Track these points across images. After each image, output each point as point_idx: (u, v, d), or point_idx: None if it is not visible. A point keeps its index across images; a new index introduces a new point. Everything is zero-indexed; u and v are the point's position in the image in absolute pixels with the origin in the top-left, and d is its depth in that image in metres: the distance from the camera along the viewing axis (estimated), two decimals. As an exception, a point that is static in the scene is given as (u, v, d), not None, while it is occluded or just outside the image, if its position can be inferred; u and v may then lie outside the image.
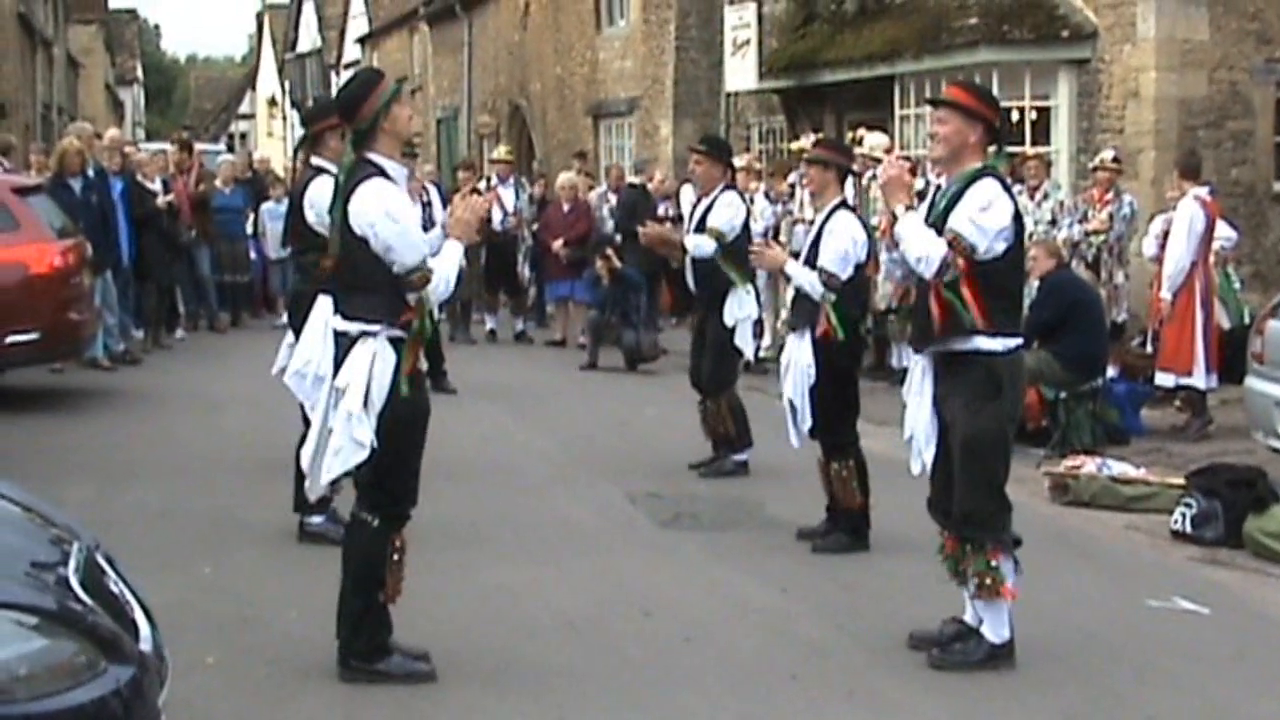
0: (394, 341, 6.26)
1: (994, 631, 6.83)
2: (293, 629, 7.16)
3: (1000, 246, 6.65)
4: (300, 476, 8.41)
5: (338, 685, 6.44)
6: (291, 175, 20.58)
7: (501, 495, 10.16)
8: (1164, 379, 13.18)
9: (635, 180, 20.12)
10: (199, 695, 6.02)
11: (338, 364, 6.34)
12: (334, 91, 54.70)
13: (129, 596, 4.85)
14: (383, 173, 6.29)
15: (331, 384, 6.36)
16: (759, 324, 11.67)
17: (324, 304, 7.40)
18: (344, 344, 6.32)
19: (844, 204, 9.04)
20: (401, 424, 6.29)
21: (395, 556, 6.42)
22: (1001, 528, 6.79)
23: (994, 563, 6.75)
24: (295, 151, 9.05)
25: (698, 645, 7.13)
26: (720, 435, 11.01)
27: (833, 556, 8.76)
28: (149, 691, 4.43)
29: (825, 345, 8.74)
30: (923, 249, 6.61)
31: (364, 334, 6.25)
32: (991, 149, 6.82)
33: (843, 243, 8.77)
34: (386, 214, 6.16)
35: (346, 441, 6.20)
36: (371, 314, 6.26)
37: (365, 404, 6.17)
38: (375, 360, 6.21)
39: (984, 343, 6.71)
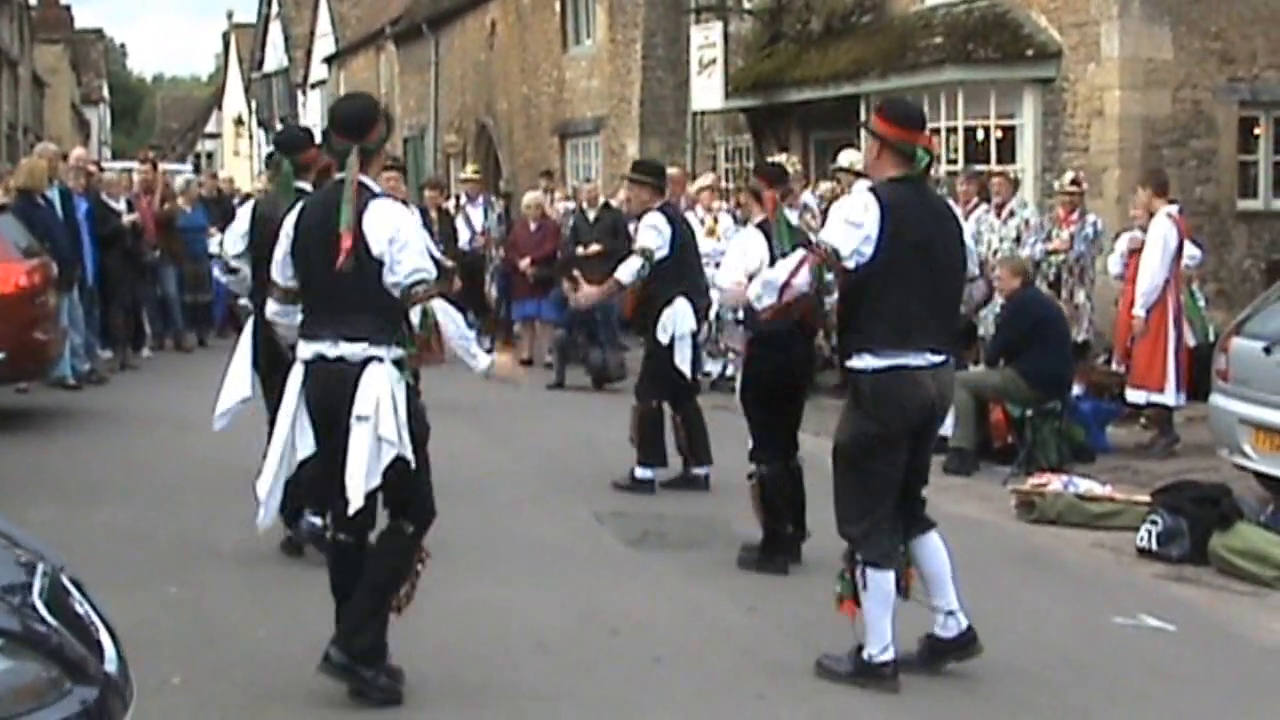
0: (395, 363, 6.33)
1: (869, 645, 6.81)
2: (260, 649, 7.14)
3: (867, 252, 6.57)
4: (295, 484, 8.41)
5: (305, 706, 6.42)
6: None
7: (470, 514, 10.14)
8: (1135, 396, 13.24)
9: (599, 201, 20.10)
10: (165, 716, 5.99)
11: (326, 390, 6.32)
12: (300, 110, 54.68)
13: (94, 617, 4.83)
14: (380, 196, 6.41)
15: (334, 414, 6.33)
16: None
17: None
18: (340, 369, 6.29)
19: (761, 224, 8.98)
20: (419, 439, 6.44)
21: (419, 565, 6.55)
22: (861, 542, 6.75)
23: (846, 576, 6.82)
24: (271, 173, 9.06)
25: (666, 664, 7.13)
26: (681, 450, 11.12)
27: (799, 575, 8.75)
28: (114, 713, 4.41)
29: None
30: (771, 274, 6.88)
31: (371, 359, 6.28)
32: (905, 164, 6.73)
33: (733, 254, 8.90)
34: (408, 229, 6.28)
35: (372, 464, 6.24)
36: (379, 335, 6.30)
37: (397, 429, 6.26)
38: (394, 386, 6.27)
39: (852, 360, 6.73)
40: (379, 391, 6.24)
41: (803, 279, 6.75)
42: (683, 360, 10.82)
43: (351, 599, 6.44)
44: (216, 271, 9.55)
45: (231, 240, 8.93)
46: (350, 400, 6.24)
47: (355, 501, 6.27)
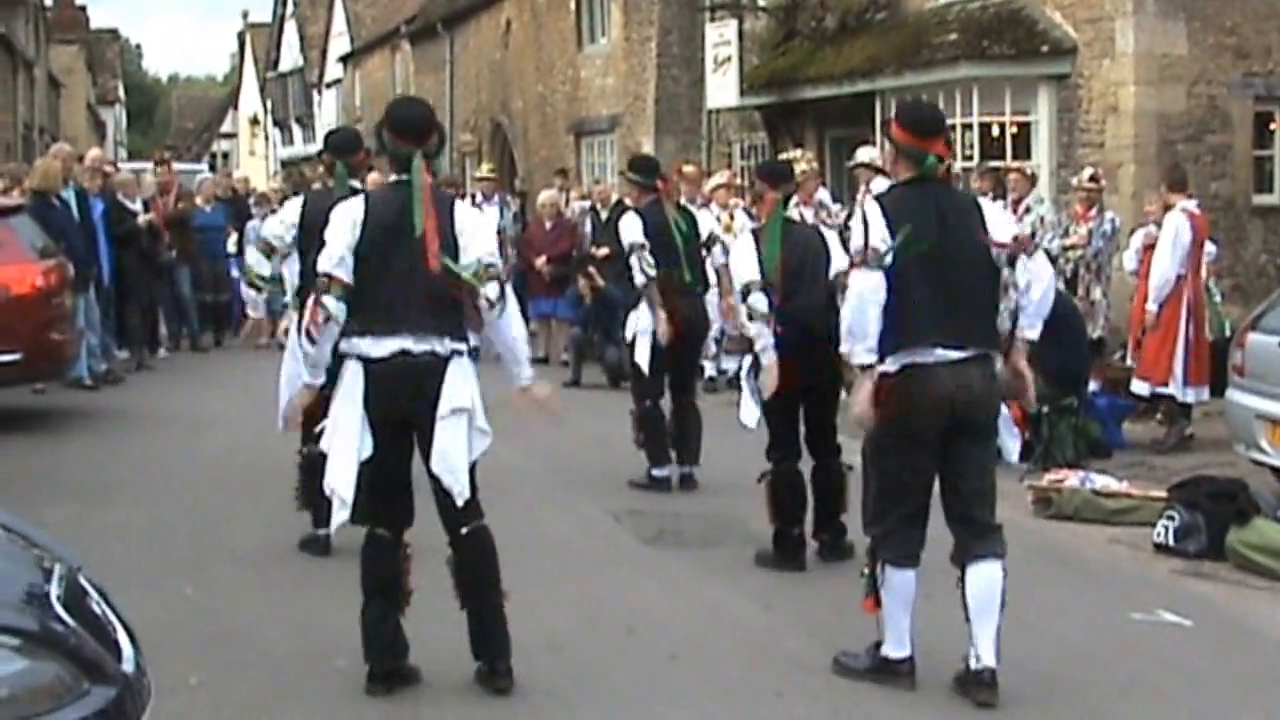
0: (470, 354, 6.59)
1: (886, 643, 6.81)
2: (276, 648, 7.16)
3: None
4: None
5: (322, 704, 6.44)
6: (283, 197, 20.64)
7: (485, 513, 10.13)
8: (1140, 387, 13.21)
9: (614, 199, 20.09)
10: (182, 716, 6.01)
11: (405, 386, 6.40)
12: (315, 109, 54.71)
13: (111, 617, 4.84)
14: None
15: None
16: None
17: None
18: (425, 364, 6.40)
19: (755, 230, 9.24)
20: None
21: None
22: (880, 540, 6.77)
23: (865, 571, 6.86)
24: (318, 176, 8.94)
25: (683, 663, 7.13)
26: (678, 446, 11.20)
27: (816, 572, 8.76)
28: (132, 713, 4.41)
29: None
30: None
31: (456, 352, 6.47)
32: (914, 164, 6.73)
33: (734, 263, 9.16)
34: (487, 224, 6.72)
35: (467, 456, 6.49)
36: (460, 329, 6.51)
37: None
38: (475, 378, 6.54)
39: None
40: (470, 385, 6.47)
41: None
42: (640, 356, 10.94)
43: (478, 614, 6.58)
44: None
45: (274, 228, 8.86)
46: (434, 395, 6.39)
47: (465, 492, 6.47)
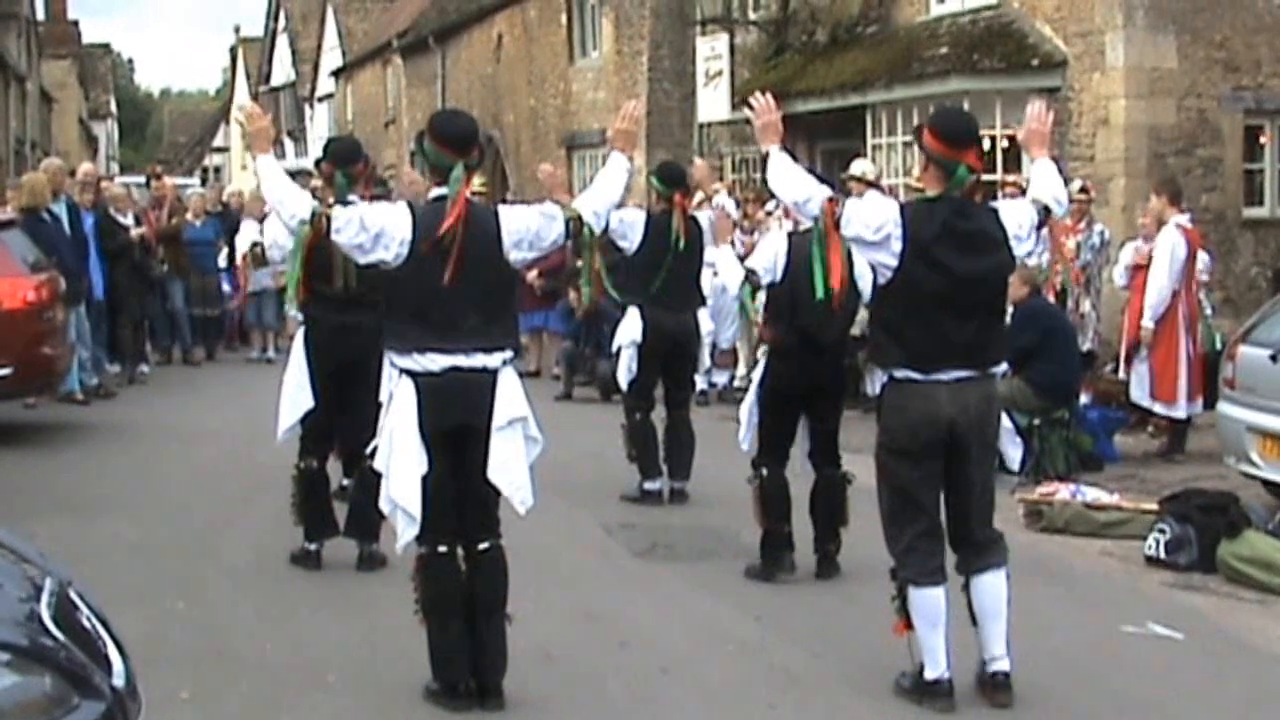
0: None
1: (925, 665, 6.73)
2: (268, 662, 7.15)
3: (880, 256, 6.60)
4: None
5: (313, 719, 6.43)
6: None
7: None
8: (1140, 398, 13.19)
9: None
10: (173, 730, 6.01)
11: (462, 401, 6.43)
12: (307, 124, 54.67)
13: (101, 631, 4.83)
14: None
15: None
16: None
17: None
18: (480, 379, 6.45)
19: (793, 233, 9.02)
20: None
21: None
22: (900, 560, 6.74)
23: (893, 594, 6.79)
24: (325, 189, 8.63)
25: (674, 676, 7.13)
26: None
27: (808, 585, 8.76)
28: (122, 727, 4.41)
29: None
30: (799, 191, 6.80)
31: (505, 363, 6.56)
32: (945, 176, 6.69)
33: (765, 249, 9.11)
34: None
35: (526, 461, 6.63)
36: (510, 340, 6.67)
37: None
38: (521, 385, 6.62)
39: (877, 374, 6.81)
40: (520, 393, 6.56)
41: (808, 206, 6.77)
42: (621, 370, 11.06)
43: (479, 630, 6.56)
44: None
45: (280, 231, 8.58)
46: (488, 407, 6.44)
47: (529, 499, 6.58)
